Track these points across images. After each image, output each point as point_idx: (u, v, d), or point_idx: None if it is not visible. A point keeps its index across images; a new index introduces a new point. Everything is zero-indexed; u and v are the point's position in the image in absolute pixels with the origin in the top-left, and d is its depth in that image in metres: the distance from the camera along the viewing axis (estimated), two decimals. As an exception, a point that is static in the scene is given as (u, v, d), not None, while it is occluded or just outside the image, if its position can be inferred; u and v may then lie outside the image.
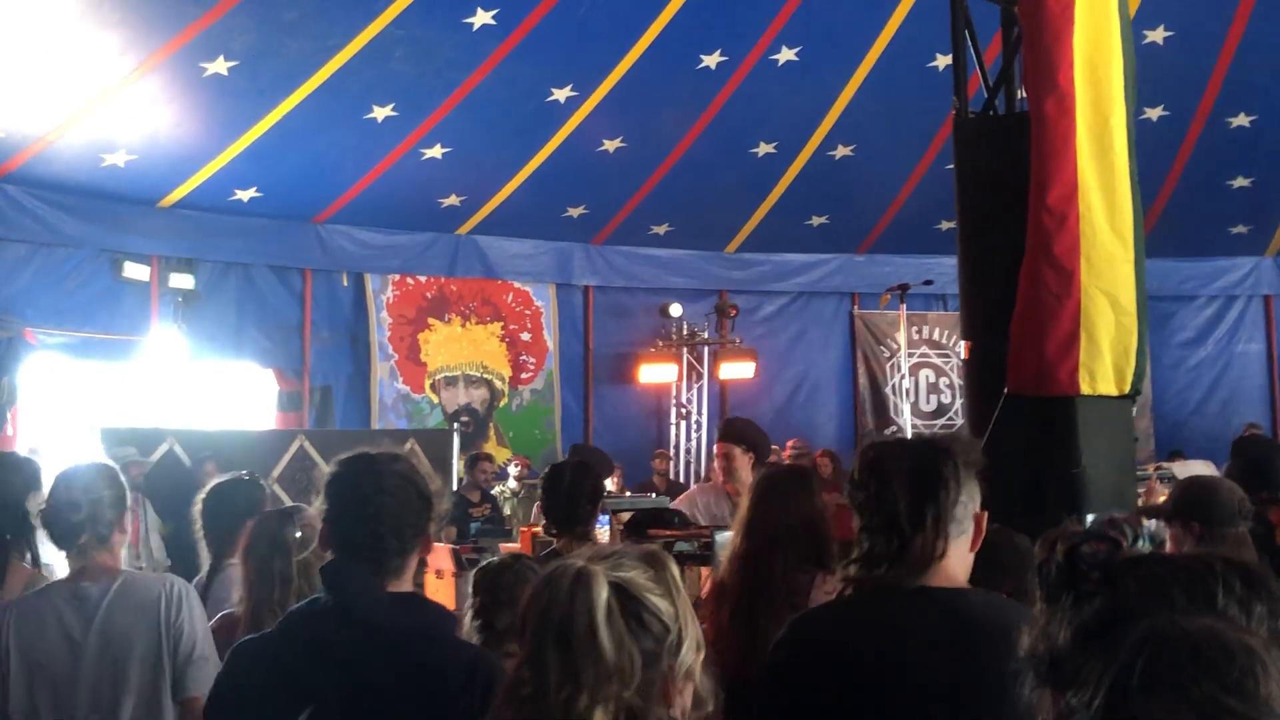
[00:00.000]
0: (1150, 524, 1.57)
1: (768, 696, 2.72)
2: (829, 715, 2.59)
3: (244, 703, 2.68)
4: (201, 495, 4.78)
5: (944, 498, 2.64)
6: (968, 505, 2.68)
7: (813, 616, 2.85)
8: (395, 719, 2.56)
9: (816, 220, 15.38)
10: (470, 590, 4.03)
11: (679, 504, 7.15)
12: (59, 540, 3.84)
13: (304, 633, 2.69)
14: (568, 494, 5.03)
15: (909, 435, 11.08)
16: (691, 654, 2.02)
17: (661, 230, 15.30)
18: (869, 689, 2.57)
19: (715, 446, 7.40)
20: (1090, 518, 5.44)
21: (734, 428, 7.69)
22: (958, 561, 2.67)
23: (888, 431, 15.20)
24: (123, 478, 4.08)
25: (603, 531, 5.39)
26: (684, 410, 15.54)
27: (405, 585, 2.79)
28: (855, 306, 16.39)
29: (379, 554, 2.73)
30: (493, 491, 12.12)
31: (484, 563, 4.17)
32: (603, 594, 1.96)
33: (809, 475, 4.55)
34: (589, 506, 5.05)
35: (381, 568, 2.73)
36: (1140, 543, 1.46)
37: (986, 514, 2.74)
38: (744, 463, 7.11)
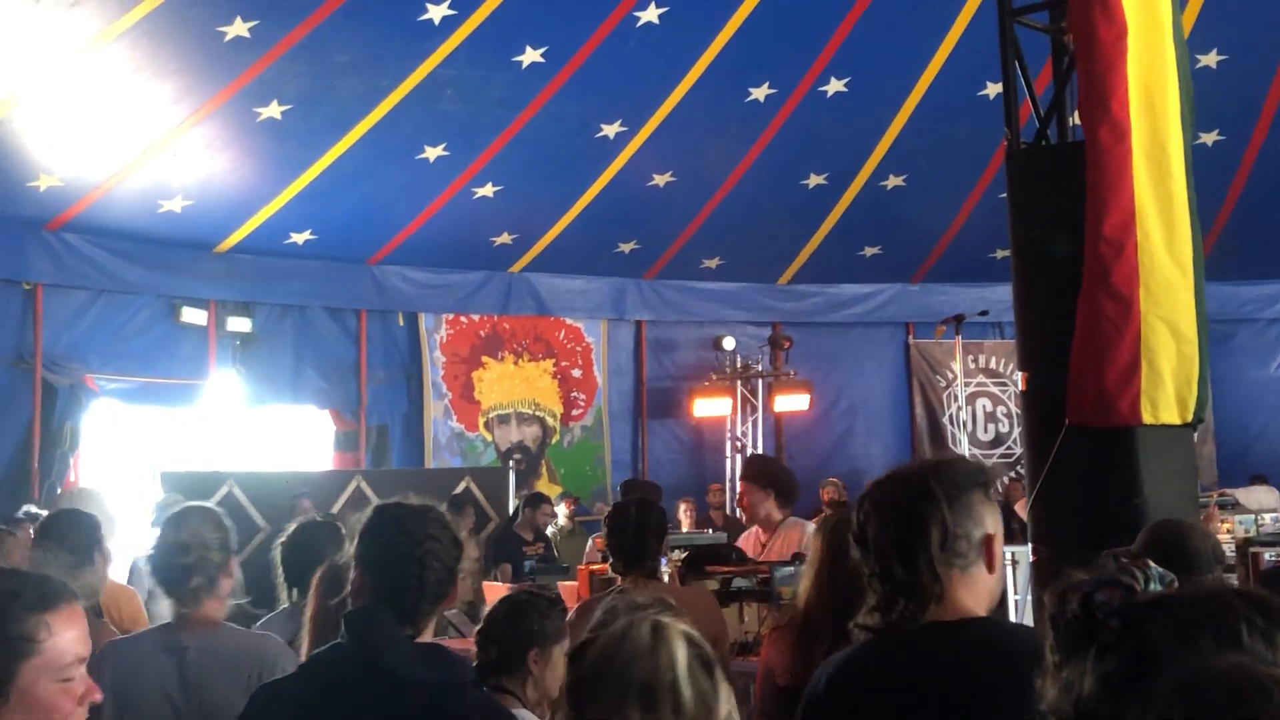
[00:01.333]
0: (1157, 568, 1.53)
1: None
2: None
3: None
4: (282, 538, 4.80)
5: (933, 537, 2.59)
6: (972, 533, 2.62)
7: (832, 666, 2.81)
8: None
9: (869, 251, 15.33)
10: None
11: None
12: (169, 587, 3.78)
13: (328, 677, 2.72)
14: (635, 531, 4.99)
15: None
16: (729, 703, 2.06)
17: (713, 263, 15.30)
18: None
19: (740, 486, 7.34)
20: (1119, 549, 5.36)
21: (752, 466, 7.65)
22: (969, 592, 2.62)
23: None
24: (227, 521, 4.04)
25: (664, 570, 5.35)
26: (739, 444, 15.48)
27: (428, 635, 2.81)
28: (910, 336, 16.30)
29: (417, 602, 2.76)
30: (547, 532, 12.11)
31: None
32: (683, 648, 2.02)
33: None
34: (655, 543, 5.02)
35: (414, 616, 2.76)
36: (1152, 584, 1.43)
37: (999, 535, 2.68)
38: (763, 500, 7.04)
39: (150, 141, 11.37)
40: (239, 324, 13.09)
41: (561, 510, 12.76)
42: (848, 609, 3.89)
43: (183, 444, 12.99)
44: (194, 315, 12.87)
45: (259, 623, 4.71)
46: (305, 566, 4.30)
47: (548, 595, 4.22)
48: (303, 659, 3.81)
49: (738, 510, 7.04)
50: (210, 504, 4.10)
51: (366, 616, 2.75)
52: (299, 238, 13.20)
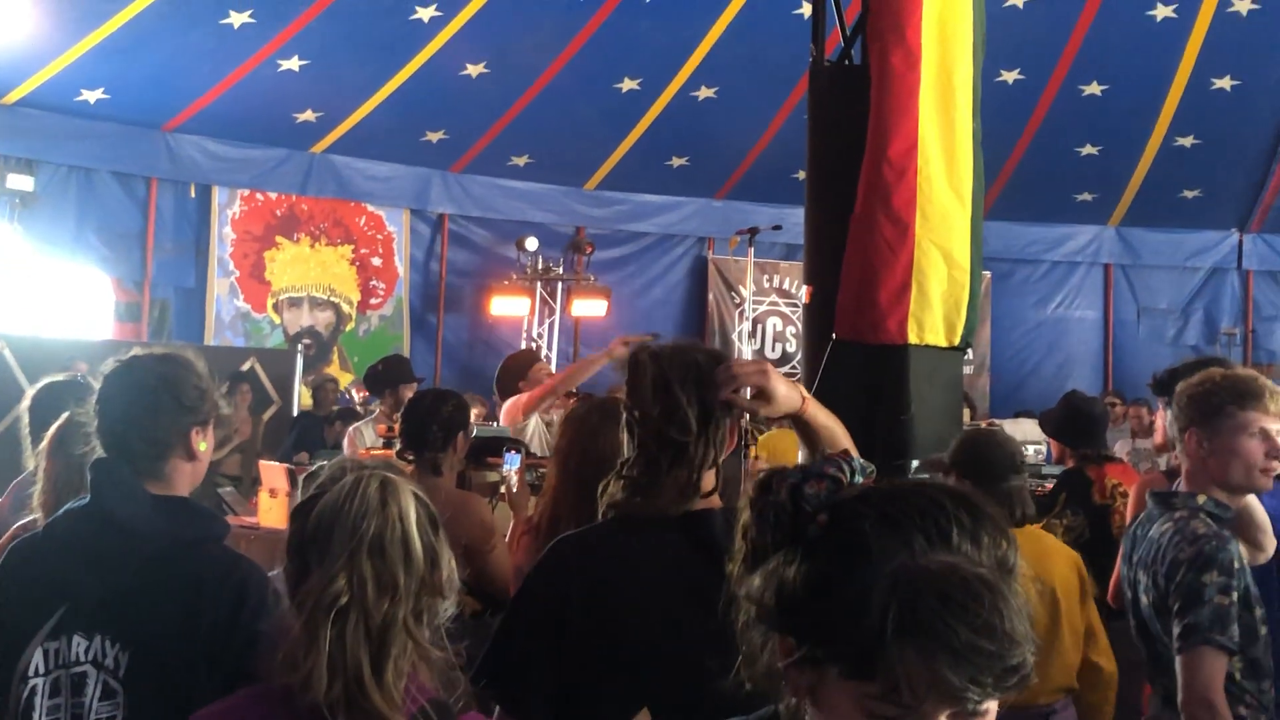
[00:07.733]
0: (859, 460, 1.56)
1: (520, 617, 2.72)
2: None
3: (11, 600, 2.70)
4: (30, 391, 4.61)
5: (720, 419, 2.67)
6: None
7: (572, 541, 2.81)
8: (143, 623, 2.57)
9: (677, 161, 15.38)
10: (298, 493, 4.02)
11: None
12: None
13: (65, 532, 2.70)
14: (422, 418, 4.98)
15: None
16: (451, 564, 2.13)
17: (521, 162, 15.17)
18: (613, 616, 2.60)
19: None
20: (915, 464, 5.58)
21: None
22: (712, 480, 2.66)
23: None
24: None
25: (511, 471, 5.21)
26: (534, 344, 15.49)
27: (173, 489, 2.77)
28: (709, 251, 16.48)
29: (132, 455, 2.72)
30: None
31: (315, 467, 4.16)
32: (412, 502, 2.09)
33: (617, 408, 4.61)
34: (440, 433, 4.96)
35: (140, 470, 2.72)
36: (856, 477, 1.45)
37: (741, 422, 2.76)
38: None
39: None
40: (20, 182, 12.51)
41: (356, 397, 12.61)
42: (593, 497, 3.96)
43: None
44: (-29, 170, 12.29)
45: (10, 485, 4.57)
46: (46, 425, 4.17)
47: None
48: (38, 515, 3.72)
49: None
50: None
51: (102, 468, 2.72)
52: (90, 96, 12.63)
